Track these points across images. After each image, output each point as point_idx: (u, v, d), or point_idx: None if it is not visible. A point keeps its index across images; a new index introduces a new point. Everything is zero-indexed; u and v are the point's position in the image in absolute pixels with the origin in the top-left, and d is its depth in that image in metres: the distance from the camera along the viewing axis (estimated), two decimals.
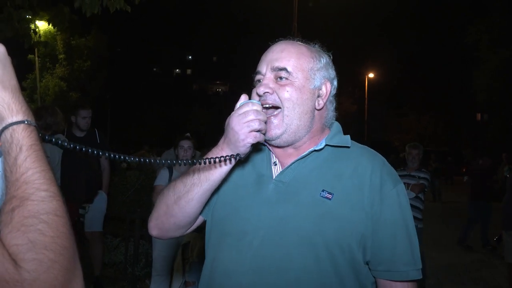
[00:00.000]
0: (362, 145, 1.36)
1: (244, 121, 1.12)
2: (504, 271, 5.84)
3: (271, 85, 1.25)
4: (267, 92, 1.24)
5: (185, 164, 1.13)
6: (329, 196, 1.20)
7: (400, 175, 1.38)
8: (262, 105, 1.20)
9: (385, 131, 37.11)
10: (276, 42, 1.34)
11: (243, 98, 1.19)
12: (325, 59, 1.32)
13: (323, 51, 1.36)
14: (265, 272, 1.18)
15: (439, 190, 15.24)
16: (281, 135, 1.24)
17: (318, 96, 1.29)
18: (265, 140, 1.28)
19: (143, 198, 5.66)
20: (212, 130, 27.79)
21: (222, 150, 1.18)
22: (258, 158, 1.36)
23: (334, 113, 1.37)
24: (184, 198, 1.24)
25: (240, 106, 1.16)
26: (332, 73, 1.34)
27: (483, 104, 25.59)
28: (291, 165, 1.28)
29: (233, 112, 1.16)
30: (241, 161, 1.32)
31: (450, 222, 10.65)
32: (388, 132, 36.90)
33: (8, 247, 0.66)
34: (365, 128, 31.03)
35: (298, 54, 1.27)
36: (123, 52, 39.97)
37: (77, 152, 3.46)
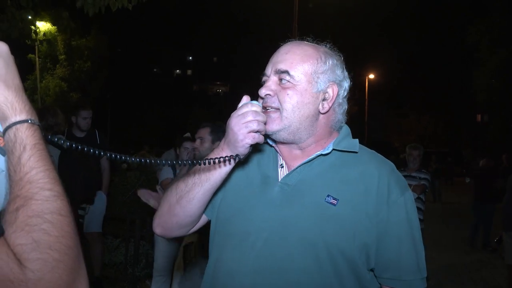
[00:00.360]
0: (371, 151, 1.34)
1: (243, 121, 1.13)
2: (504, 272, 5.83)
3: (273, 87, 1.25)
4: (268, 94, 1.24)
5: (185, 165, 1.14)
6: (334, 201, 1.20)
7: None
8: (263, 107, 1.20)
9: (385, 132, 37.12)
10: (286, 42, 1.32)
11: (245, 99, 1.20)
12: (332, 61, 1.27)
13: (334, 52, 1.32)
14: (267, 273, 1.18)
15: (439, 191, 15.22)
16: (279, 131, 1.23)
17: (324, 100, 1.25)
18: (268, 137, 1.28)
19: None
20: None
21: (222, 150, 1.19)
22: (265, 159, 1.36)
23: (344, 116, 1.33)
24: (186, 197, 1.25)
25: (239, 107, 1.17)
26: (340, 75, 1.29)
27: (483, 104, 25.55)
28: (297, 168, 1.27)
29: (233, 113, 1.17)
30: (247, 162, 1.32)
31: (450, 223, 10.66)
32: (388, 133, 36.90)
33: (13, 246, 0.66)
34: (365, 128, 31.00)
35: (303, 56, 1.24)
36: (124, 53, 39.91)
37: (75, 153, 3.46)
